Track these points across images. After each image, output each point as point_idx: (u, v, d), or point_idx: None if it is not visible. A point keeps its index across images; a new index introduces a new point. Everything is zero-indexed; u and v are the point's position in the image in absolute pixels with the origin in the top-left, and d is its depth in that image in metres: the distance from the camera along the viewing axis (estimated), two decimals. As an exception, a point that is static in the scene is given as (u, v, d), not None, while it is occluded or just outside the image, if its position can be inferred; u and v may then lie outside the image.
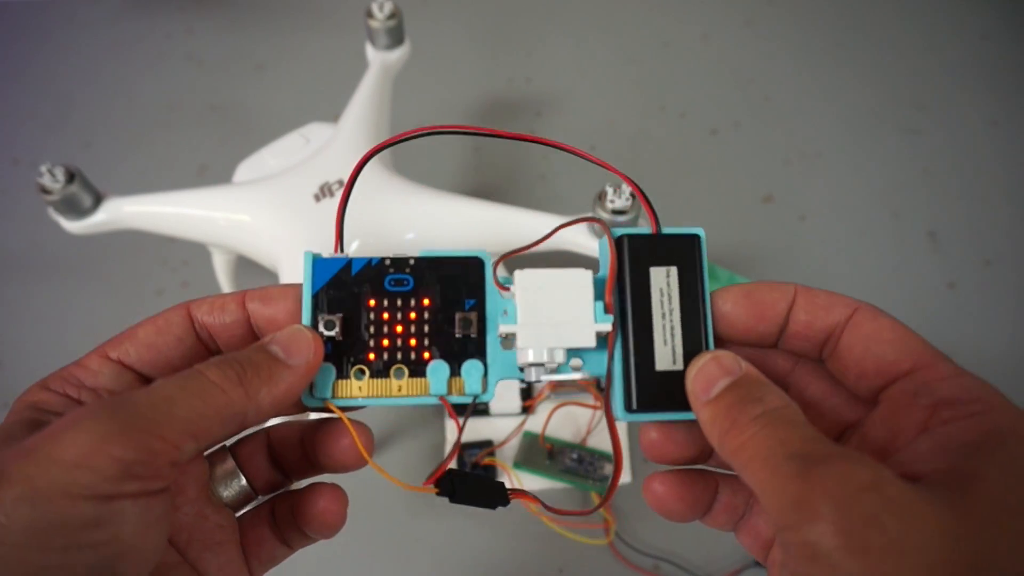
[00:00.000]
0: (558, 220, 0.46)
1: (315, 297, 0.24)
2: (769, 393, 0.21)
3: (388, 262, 0.24)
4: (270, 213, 0.48)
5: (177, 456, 0.19)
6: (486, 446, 0.55)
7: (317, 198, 0.48)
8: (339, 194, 0.48)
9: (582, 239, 0.45)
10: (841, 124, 0.75)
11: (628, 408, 0.23)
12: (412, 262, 0.25)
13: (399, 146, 0.63)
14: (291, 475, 0.26)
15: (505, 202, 0.48)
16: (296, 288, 0.24)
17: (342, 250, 0.25)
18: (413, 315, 0.24)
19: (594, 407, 0.55)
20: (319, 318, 0.24)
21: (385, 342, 0.24)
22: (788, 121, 0.75)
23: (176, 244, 0.67)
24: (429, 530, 0.54)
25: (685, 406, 0.23)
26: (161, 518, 0.20)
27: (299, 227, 0.47)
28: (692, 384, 0.22)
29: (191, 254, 0.67)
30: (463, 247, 0.49)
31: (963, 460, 0.19)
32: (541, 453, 0.54)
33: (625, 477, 0.54)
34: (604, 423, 0.55)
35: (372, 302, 0.24)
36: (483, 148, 0.75)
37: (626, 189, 0.42)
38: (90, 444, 0.18)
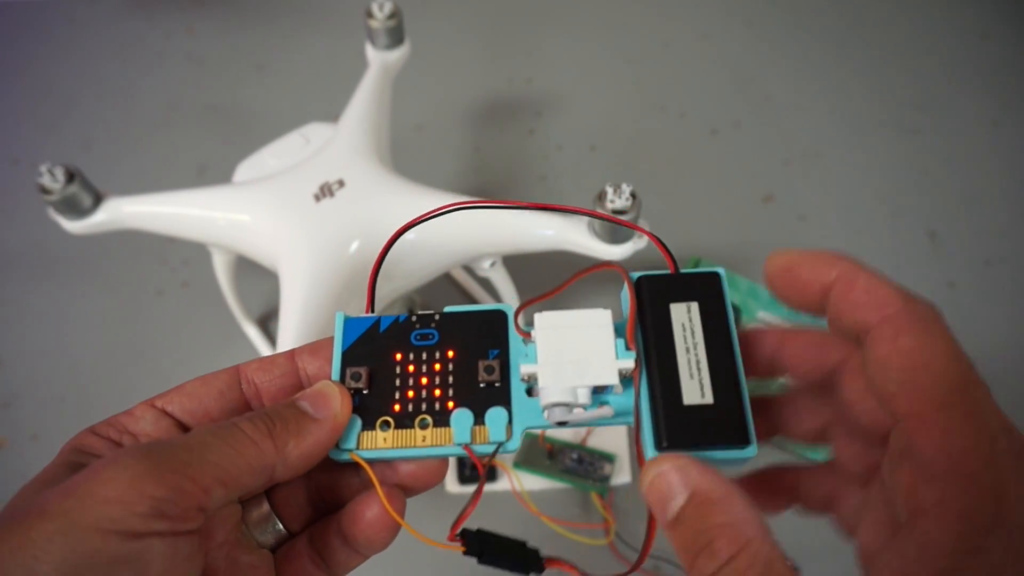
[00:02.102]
0: (558, 220, 0.46)
1: (345, 354, 0.25)
2: (720, 535, 0.19)
3: (415, 318, 0.25)
4: (270, 213, 0.48)
5: (206, 500, 0.20)
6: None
7: (317, 198, 0.48)
8: (339, 194, 0.48)
9: (582, 239, 0.45)
10: (841, 124, 0.75)
11: (659, 446, 0.22)
12: (437, 317, 0.25)
13: (399, 146, 0.62)
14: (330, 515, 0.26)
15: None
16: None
17: (373, 310, 0.26)
18: (438, 366, 0.24)
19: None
20: (347, 372, 0.24)
21: (410, 393, 0.24)
22: (788, 121, 0.75)
23: (176, 244, 0.67)
24: (429, 530, 0.53)
25: (718, 441, 0.22)
26: (189, 559, 0.20)
27: (299, 227, 0.47)
28: (647, 501, 0.21)
29: (191, 254, 0.67)
30: (463, 247, 0.49)
31: None
32: (541, 453, 0.54)
33: (625, 477, 0.54)
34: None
35: (399, 356, 0.25)
36: (483, 148, 0.75)
37: (626, 189, 0.42)
38: (126, 481, 0.19)
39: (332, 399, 0.23)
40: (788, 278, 0.22)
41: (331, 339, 0.25)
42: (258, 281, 0.64)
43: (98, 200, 0.50)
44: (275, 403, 0.23)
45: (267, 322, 0.65)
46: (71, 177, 0.48)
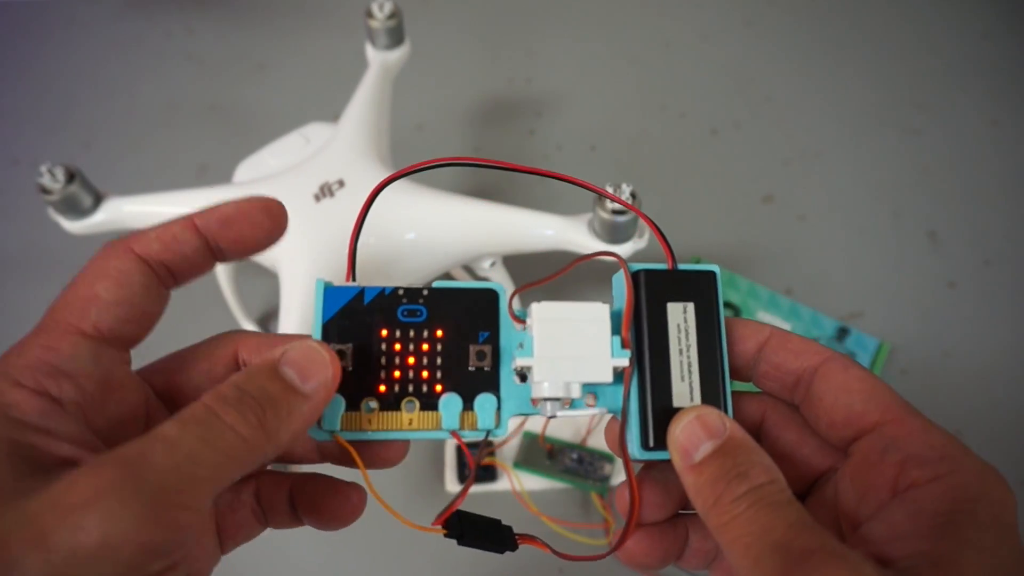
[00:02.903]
0: (558, 220, 0.46)
1: (326, 325, 0.23)
2: (754, 466, 0.21)
3: (401, 292, 0.24)
4: (270, 213, 0.48)
5: (201, 519, 0.19)
6: (486, 446, 0.55)
7: (317, 198, 0.48)
8: (339, 194, 0.48)
9: (582, 239, 0.45)
10: (841, 124, 0.75)
11: (645, 446, 0.23)
12: (426, 293, 0.24)
13: (399, 146, 0.62)
14: (286, 463, 0.25)
15: (505, 202, 0.48)
16: (261, 202, 0.23)
17: (354, 278, 0.25)
18: (426, 346, 0.24)
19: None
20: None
21: (397, 374, 0.23)
22: (788, 121, 0.75)
23: (176, 244, 0.67)
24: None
25: None
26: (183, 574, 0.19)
27: (299, 227, 0.47)
28: (674, 446, 0.22)
29: (191, 254, 0.67)
30: (463, 247, 0.49)
31: (938, 541, 0.19)
32: (541, 453, 0.54)
33: (623, 476, 0.54)
34: (604, 423, 0.55)
35: (384, 332, 0.24)
36: (483, 148, 0.75)
37: (626, 188, 0.42)
38: (115, 531, 0.17)
39: (321, 365, 0.21)
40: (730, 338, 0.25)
41: (245, 204, 0.23)
42: (258, 281, 0.63)
43: (98, 200, 0.50)
44: (257, 376, 0.20)
45: (267, 322, 0.64)
46: (71, 177, 0.48)
